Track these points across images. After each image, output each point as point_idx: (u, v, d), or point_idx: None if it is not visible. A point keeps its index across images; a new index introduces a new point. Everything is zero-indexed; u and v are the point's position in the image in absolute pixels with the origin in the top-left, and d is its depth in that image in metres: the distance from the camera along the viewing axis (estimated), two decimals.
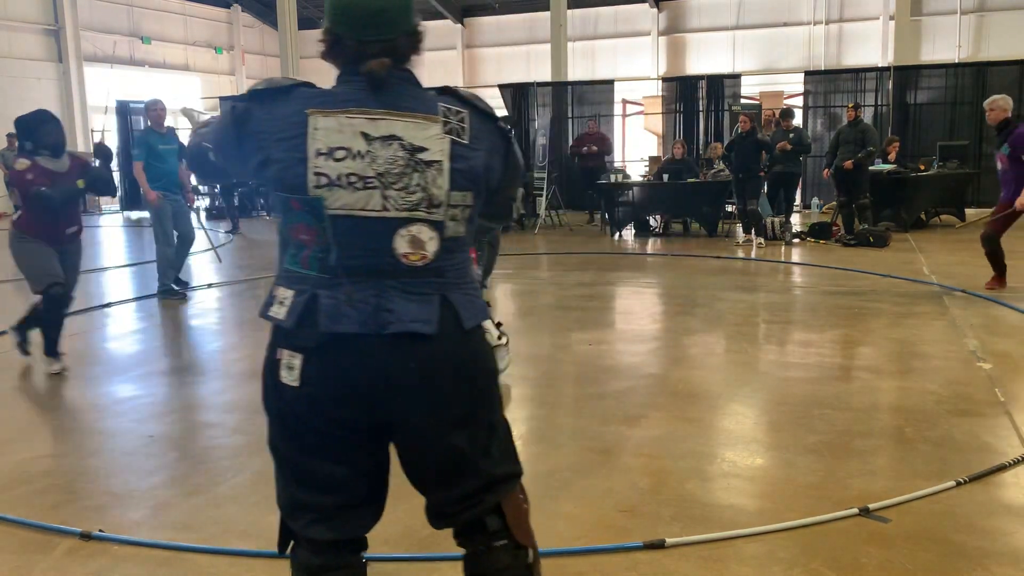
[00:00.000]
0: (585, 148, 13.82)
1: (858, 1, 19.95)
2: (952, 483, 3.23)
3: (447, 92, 1.78)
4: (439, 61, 23.48)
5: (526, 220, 13.84)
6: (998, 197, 7.07)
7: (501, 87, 17.14)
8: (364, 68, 1.68)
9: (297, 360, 1.69)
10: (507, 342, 4.76)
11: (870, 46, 19.70)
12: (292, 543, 1.86)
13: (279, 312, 1.72)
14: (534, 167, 14.96)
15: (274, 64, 23.51)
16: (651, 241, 11.95)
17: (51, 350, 5.21)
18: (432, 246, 1.70)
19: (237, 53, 24.72)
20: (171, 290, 7.68)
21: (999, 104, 6.89)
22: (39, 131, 5.05)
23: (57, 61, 19.78)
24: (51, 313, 5.14)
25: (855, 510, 3.01)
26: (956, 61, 17.51)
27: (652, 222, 12.81)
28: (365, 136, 1.66)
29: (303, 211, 1.68)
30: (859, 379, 4.87)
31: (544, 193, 13.96)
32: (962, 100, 13.84)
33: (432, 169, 1.68)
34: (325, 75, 1.80)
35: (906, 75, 14.71)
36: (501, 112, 16.50)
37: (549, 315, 6.93)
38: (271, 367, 1.74)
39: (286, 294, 1.72)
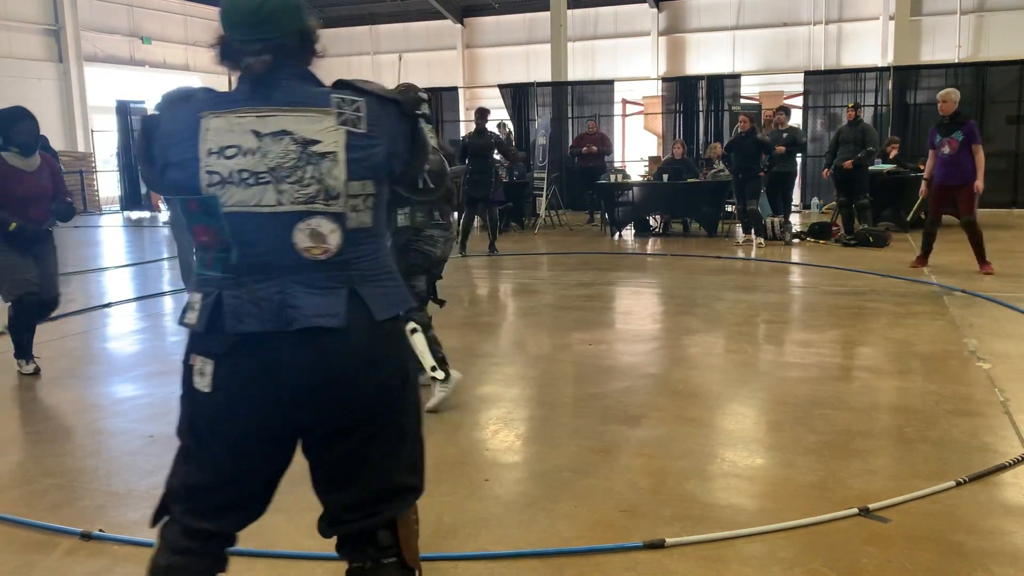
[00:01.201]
0: (585, 148, 13.81)
1: (858, 1, 19.94)
2: (952, 483, 3.23)
3: (343, 85, 1.78)
4: (439, 61, 23.49)
5: (525, 220, 13.86)
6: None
7: (501, 87, 17.16)
8: (243, 65, 1.71)
9: (209, 366, 1.71)
10: (446, 378, 4.27)
11: (870, 46, 19.70)
12: (167, 519, 1.85)
13: (192, 318, 1.74)
14: (534, 167, 14.96)
15: None
16: (651, 241, 11.95)
17: (22, 353, 5.20)
18: (334, 239, 1.70)
19: None
20: None
21: (952, 97, 8.08)
22: (13, 128, 4.94)
23: (57, 61, 19.79)
24: (21, 319, 5.10)
25: (855, 510, 3.01)
26: (956, 61, 17.51)
27: (652, 222, 12.81)
28: (255, 133, 1.68)
29: (200, 212, 1.70)
30: (859, 379, 4.87)
31: (544, 193, 13.96)
32: (962, 100, 13.80)
33: (327, 160, 1.69)
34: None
35: (906, 75, 14.72)
36: (501, 111, 16.61)
37: (549, 315, 6.92)
38: (186, 373, 1.76)
39: (196, 298, 1.74)
